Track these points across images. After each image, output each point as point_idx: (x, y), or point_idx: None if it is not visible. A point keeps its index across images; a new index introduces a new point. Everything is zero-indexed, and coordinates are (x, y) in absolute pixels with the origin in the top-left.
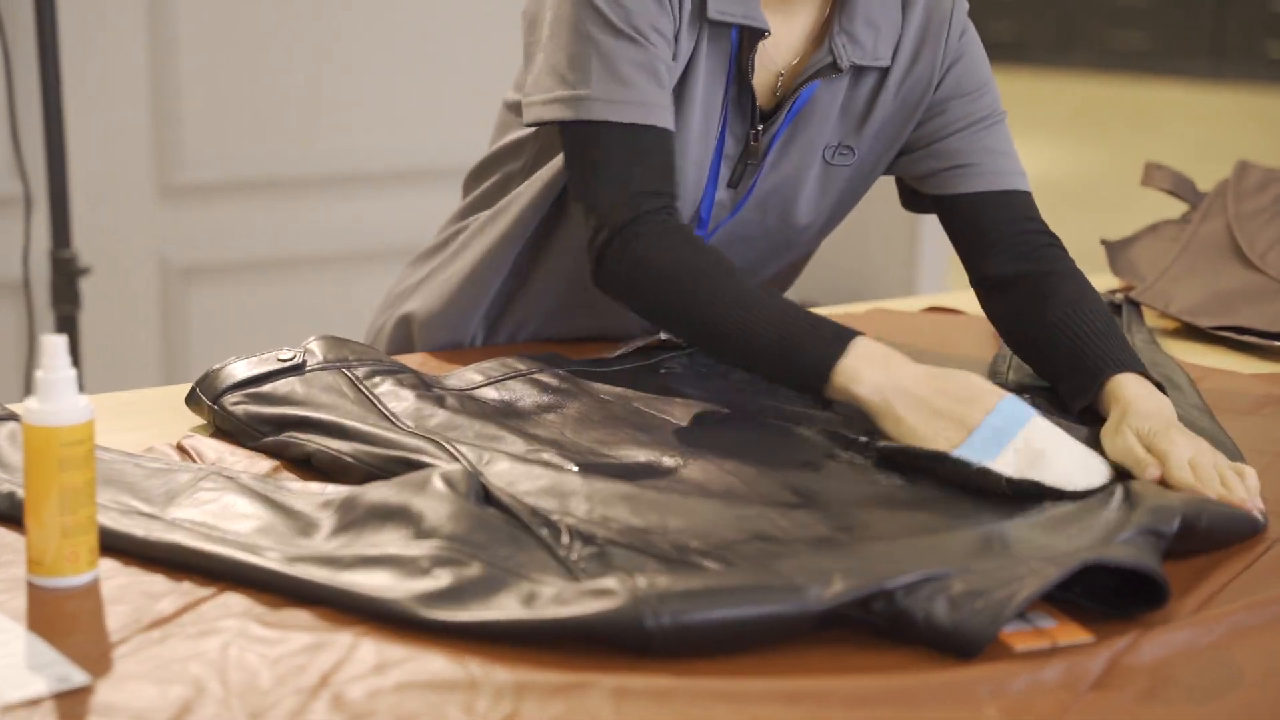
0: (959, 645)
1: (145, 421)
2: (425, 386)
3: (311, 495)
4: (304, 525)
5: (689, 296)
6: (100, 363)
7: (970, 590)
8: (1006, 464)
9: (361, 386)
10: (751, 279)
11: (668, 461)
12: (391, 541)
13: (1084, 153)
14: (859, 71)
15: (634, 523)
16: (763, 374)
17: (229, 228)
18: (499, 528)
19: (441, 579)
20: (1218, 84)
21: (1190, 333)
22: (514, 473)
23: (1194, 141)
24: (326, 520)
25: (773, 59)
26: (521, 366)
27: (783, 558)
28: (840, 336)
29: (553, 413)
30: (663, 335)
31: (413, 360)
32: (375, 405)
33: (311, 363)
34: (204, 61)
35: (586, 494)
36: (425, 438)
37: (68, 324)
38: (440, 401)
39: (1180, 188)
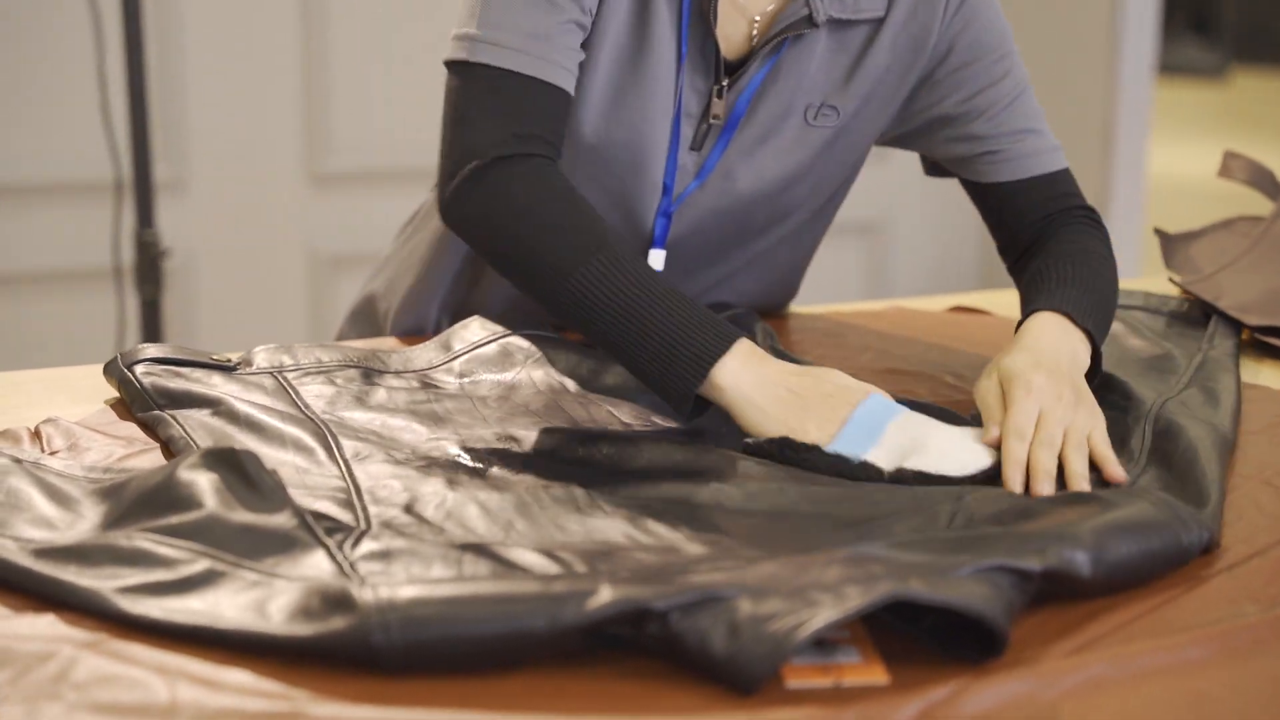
0: (732, 678)
1: (34, 400)
2: (366, 379)
3: (96, 481)
4: (73, 518)
5: (549, 240)
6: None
7: (756, 615)
8: (880, 456)
9: (287, 384)
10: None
11: (576, 461)
12: (146, 536)
13: None
14: (846, 24)
15: (476, 528)
16: (619, 354)
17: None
18: (273, 532)
19: (185, 572)
20: None
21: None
22: (384, 471)
23: None
24: (91, 512)
25: (743, 7)
26: (498, 329)
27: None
28: (724, 334)
29: (496, 401)
30: None
31: (386, 345)
32: (289, 394)
33: (244, 370)
34: (353, 50)
35: (440, 499)
36: (314, 424)
37: (150, 308)
38: (362, 398)
39: (1260, 180)
